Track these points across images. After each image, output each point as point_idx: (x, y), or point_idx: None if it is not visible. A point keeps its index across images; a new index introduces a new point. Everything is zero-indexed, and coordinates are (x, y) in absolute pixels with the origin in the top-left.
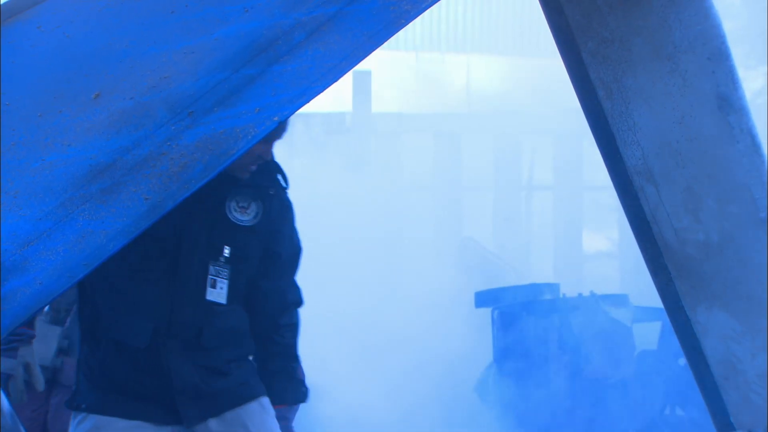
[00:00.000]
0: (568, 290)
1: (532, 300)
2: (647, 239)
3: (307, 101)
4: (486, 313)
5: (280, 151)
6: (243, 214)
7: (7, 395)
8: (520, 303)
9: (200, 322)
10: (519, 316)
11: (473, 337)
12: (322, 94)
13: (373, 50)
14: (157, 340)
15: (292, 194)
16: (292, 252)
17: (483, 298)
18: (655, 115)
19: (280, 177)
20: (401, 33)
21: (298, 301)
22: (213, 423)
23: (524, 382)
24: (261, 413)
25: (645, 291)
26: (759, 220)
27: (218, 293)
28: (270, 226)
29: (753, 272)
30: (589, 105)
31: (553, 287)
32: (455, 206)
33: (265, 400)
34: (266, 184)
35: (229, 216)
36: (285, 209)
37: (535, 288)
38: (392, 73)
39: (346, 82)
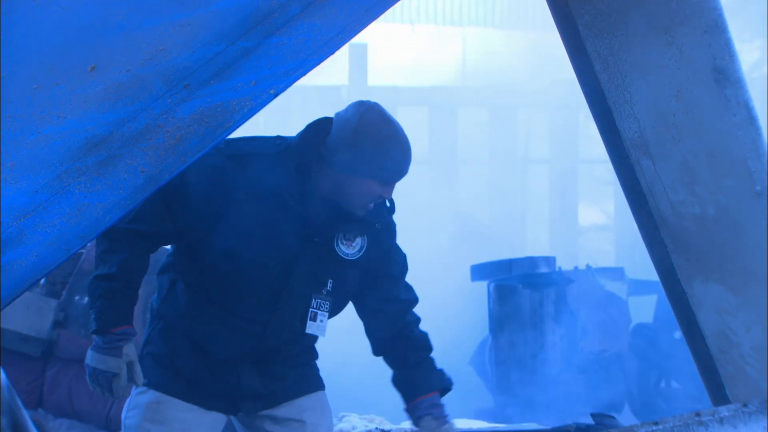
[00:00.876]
0: (564, 263)
1: (528, 273)
2: (643, 212)
3: (304, 74)
4: (482, 286)
5: (275, 125)
6: (349, 248)
7: (110, 392)
8: (516, 276)
9: (284, 347)
10: (515, 290)
11: (469, 311)
12: (318, 66)
13: (370, 23)
14: (237, 355)
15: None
16: (401, 264)
17: (479, 272)
18: (652, 88)
19: (387, 204)
20: (397, 6)
21: (415, 299)
22: (268, 414)
23: (520, 356)
24: (316, 405)
25: (641, 264)
26: (755, 193)
27: (318, 326)
28: (375, 255)
29: (749, 245)
30: (586, 78)
31: (549, 260)
32: (451, 179)
33: (322, 394)
34: (373, 219)
35: (336, 250)
36: (391, 235)
37: (532, 261)
38: (388, 46)
39: (342, 55)
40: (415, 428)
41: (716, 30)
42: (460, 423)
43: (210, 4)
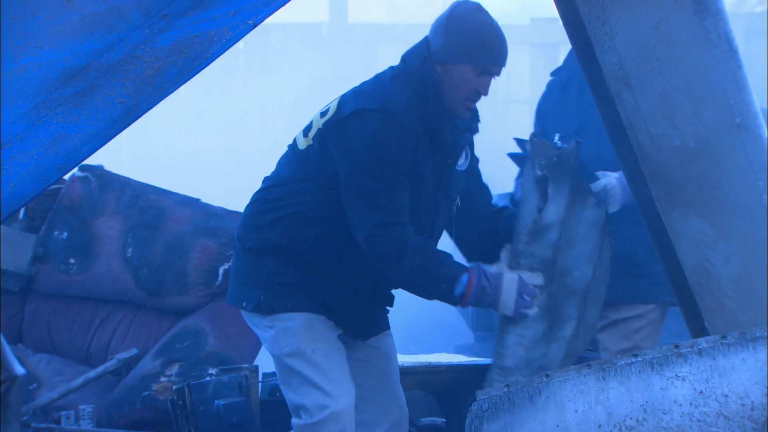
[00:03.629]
0: None
1: None
2: (624, 145)
3: (282, 4)
4: None
5: (257, 63)
6: (461, 159)
7: None
8: None
9: None
10: None
11: (451, 251)
12: None
13: None
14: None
15: (274, 106)
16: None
17: None
18: (632, 21)
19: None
20: None
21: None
22: (373, 340)
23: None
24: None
25: None
26: (735, 125)
27: None
28: (472, 160)
29: (728, 178)
30: (566, 11)
31: None
32: None
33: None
34: (471, 125)
35: (456, 166)
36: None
37: (513, 199)
38: None
39: None
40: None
41: None
42: (441, 357)
43: None
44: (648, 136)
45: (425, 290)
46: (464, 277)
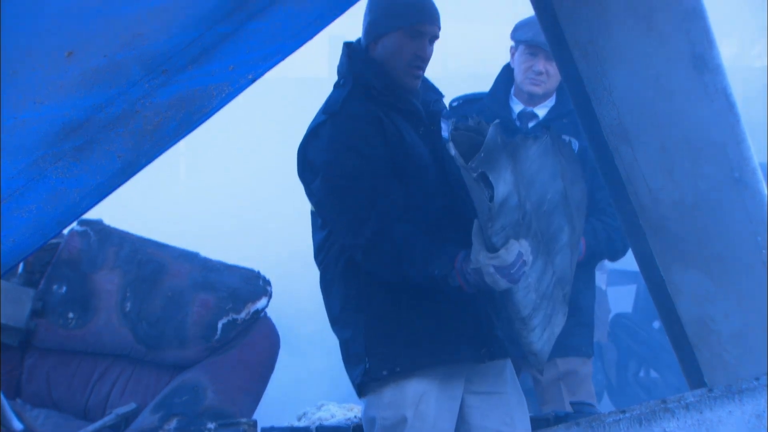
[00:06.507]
0: None
1: None
2: (622, 199)
3: (282, 59)
4: None
5: (255, 116)
6: (443, 131)
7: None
8: None
9: None
10: None
11: None
12: (296, 52)
13: (348, 8)
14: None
15: (273, 162)
16: None
17: None
18: (631, 75)
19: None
20: None
21: None
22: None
23: None
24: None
25: None
26: (733, 179)
27: None
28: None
29: (727, 232)
30: (565, 66)
31: None
32: None
33: None
34: (438, 98)
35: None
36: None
37: None
38: None
39: (321, 46)
40: None
41: (695, 16)
42: None
43: None
44: (647, 190)
45: (419, 283)
46: (453, 274)
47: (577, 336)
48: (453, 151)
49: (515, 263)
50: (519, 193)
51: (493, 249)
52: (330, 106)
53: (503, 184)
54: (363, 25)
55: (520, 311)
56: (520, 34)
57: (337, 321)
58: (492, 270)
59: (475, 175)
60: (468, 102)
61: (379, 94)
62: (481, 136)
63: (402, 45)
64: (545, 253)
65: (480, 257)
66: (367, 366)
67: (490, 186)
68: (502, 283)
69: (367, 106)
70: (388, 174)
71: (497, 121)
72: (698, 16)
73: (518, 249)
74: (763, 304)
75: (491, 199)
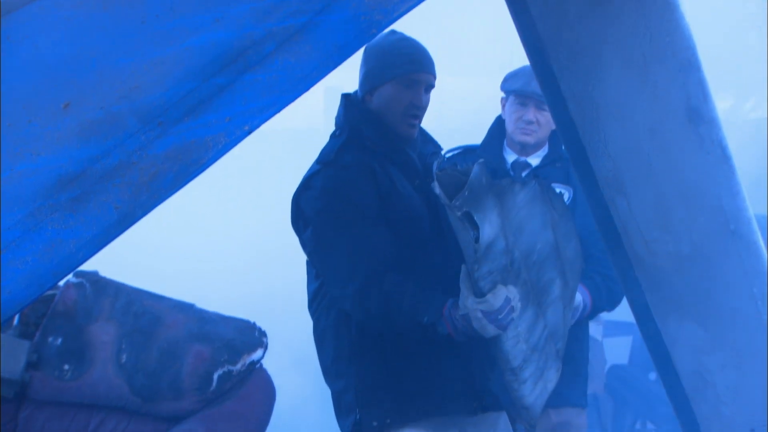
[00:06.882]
0: None
1: None
2: (618, 250)
3: (278, 111)
4: None
5: (249, 167)
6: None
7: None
8: None
9: None
10: None
11: None
12: (292, 104)
13: (344, 60)
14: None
15: (269, 213)
16: None
17: None
18: (626, 127)
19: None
20: None
21: None
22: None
23: None
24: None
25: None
26: (729, 231)
27: None
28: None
29: (723, 284)
30: (561, 117)
31: None
32: None
33: None
34: (435, 150)
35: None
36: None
37: None
38: None
39: (317, 97)
40: None
41: (690, 68)
42: None
43: (184, 41)
44: (642, 241)
45: (408, 332)
46: (442, 321)
47: (570, 386)
48: (437, 190)
49: (503, 308)
50: (506, 238)
51: (480, 294)
52: (324, 156)
53: (489, 226)
54: (359, 76)
55: (510, 361)
56: (510, 84)
57: (329, 372)
58: (480, 315)
59: (459, 213)
60: (463, 153)
61: (374, 145)
62: (468, 177)
63: (397, 94)
64: (536, 304)
65: (468, 302)
66: (358, 417)
67: (475, 226)
68: (491, 329)
69: (361, 156)
70: (380, 224)
71: (481, 160)
72: (693, 68)
73: (506, 294)
74: (759, 356)
75: (477, 240)
